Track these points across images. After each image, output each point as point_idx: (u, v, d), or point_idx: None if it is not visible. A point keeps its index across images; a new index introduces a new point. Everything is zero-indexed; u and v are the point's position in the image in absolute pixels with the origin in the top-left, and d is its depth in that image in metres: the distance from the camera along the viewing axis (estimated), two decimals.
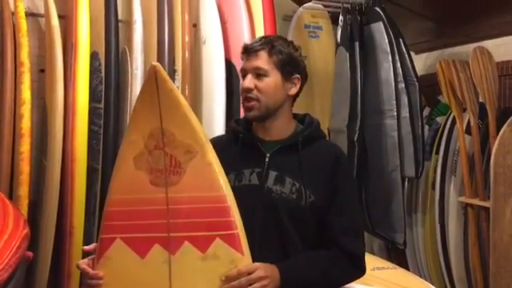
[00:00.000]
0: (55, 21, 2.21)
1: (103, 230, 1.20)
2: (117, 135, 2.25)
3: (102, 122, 2.23)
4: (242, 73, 1.30)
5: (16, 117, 2.11)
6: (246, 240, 1.16)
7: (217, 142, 1.33)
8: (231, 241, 1.15)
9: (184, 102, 1.19)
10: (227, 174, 1.22)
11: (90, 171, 2.18)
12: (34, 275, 2.21)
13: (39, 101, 2.37)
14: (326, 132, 2.69)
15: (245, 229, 1.19)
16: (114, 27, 2.26)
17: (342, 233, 1.24)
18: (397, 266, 1.98)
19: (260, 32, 2.58)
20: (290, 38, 2.84)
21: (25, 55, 2.13)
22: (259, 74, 1.26)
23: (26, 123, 2.09)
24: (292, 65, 1.28)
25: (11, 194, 2.11)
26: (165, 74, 1.18)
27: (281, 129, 1.29)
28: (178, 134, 1.17)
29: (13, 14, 2.22)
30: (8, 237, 1.23)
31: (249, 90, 1.25)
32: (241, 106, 2.33)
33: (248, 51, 1.29)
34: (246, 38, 2.49)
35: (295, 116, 1.35)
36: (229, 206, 1.16)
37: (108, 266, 1.18)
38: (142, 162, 1.18)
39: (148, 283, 1.18)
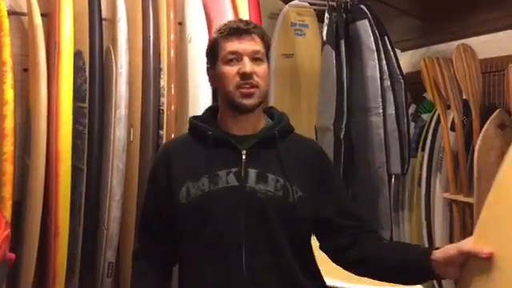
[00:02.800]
0: (38, 19, 2.17)
1: None
2: (101, 134, 2.23)
3: (86, 121, 2.21)
4: (231, 56, 1.16)
5: None
6: None
7: (174, 147, 1.25)
8: None
9: None
10: (199, 179, 1.12)
11: (75, 171, 2.16)
12: (19, 277, 2.18)
13: (22, 100, 2.34)
14: (313, 130, 2.72)
15: (229, 235, 1.10)
16: (98, 25, 2.23)
17: (355, 216, 1.23)
18: None
19: None
20: (276, 36, 2.91)
21: (7, 54, 2.09)
22: (256, 59, 1.16)
23: (9, 123, 2.06)
24: (269, 48, 1.21)
25: None
26: None
27: (256, 122, 1.20)
28: None
29: None
30: None
31: (251, 75, 1.14)
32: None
33: (242, 32, 1.17)
34: None
35: (270, 110, 1.30)
36: None
37: None
38: None
39: None
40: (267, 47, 1.19)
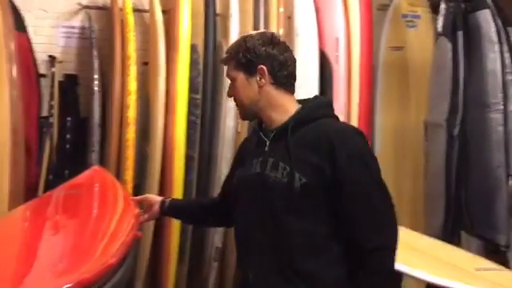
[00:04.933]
0: (159, 15, 2.33)
1: None
2: (213, 125, 2.34)
3: (199, 112, 2.32)
4: None
5: (123, 106, 2.26)
6: None
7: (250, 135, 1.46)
8: None
9: None
10: (244, 165, 1.29)
11: (188, 159, 2.28)
12: (136, 257, 2.35)
13: (143, 92, 2.51)
14: (421, 126, 2.60)
15: (247, 215, 1.25)
16: (212, 21, 2.34)
17: (360, 229, 1.18)
18: (503, 268, 1.87)
19: (355, 22, 2.53)
20: (385, 29, 2.82)
21: (131, 49, 2.27)
22: (232, 81, 1.31)
23: (131, 112, 2.24)
24: (249, 58, 1.26)
25: (118, 178, 2.26)
26: None
27: (278, 117, 1.27)
28: None
29: (121, 9, 2.37)
30: (122, 217, 1.34)
31: (232, 98, 1.33)
32: (334, 96, 2.38)
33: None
34: (341, 29, 2.47)
35: (306, 101, 1.31)
36: None
37: None
38: None
39: None
40: (237, 63, 1.27)
